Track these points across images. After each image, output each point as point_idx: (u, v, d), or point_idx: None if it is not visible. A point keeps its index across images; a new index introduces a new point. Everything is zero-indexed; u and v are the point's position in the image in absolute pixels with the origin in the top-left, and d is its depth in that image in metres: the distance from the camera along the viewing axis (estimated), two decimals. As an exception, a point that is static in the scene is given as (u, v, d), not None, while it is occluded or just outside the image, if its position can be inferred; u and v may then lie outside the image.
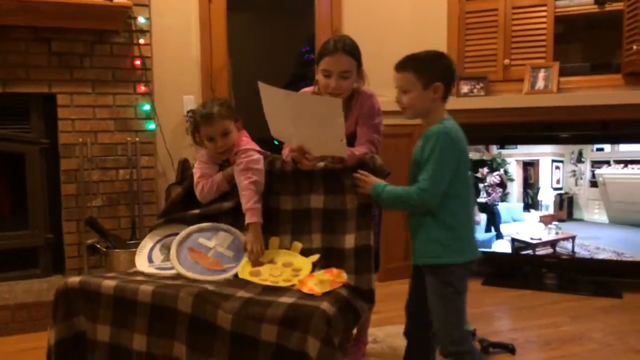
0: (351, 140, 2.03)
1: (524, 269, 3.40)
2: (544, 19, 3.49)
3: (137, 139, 3.27)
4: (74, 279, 1.79)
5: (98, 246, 2.93)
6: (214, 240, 1.93)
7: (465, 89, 3.64)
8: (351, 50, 2.03)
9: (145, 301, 1.69)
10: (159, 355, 1.68)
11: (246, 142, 2.07)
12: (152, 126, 3.35)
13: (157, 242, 2.00)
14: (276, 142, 2.10)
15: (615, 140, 3.15)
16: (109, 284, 1.75)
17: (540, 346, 2.44)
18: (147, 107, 3.32)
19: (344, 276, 1.80)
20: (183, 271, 1.82)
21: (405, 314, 1.94)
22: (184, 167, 2.17)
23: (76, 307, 1.77)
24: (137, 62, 3.30)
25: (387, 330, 2.47)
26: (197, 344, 1.64)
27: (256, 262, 1.89)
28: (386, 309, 1.99)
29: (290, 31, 5.38)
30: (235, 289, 1.73)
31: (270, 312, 1.58)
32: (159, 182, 3.41)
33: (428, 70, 1.74)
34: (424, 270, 1.80)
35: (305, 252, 1.93)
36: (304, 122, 1.87)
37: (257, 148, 2.07)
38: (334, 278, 1.79)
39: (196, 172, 2.08)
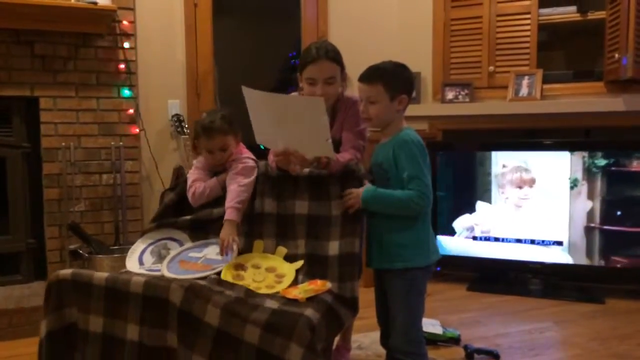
0: (336, 146, 2.03)
1: (508, 275, 3.42)
2: (527, 27, 3.53)
3: (121, 143, 3.25)
4: (66, 271, 1.80)
5: (81, 252, 2.90)
6: (204, 252, 1.96)
7: (450, 95, 3.66)
8: (334, 56, 2.04)
9: (137, 292, 1.70)
10: (153, 345, 1.69)
11: (245, 152, 2.11)
12: (136, 130, 3.32)
13: (149, 245, 2.02)
14: (262, 147, 2.10)
15: (597, 147, 3.18)
16: (100, 275, 1.77)
17: (524, 352, 2.45)
18: (131, 110, 3.29)
19: (328, 285, 1.80)
20: (172, 276, 1.83)
21: (378, 323, 1.96)
22: (179, 174, 2.19)
23: (68, 299, 1.78)
24: (122, 65, 3.27)
25: (371, 336, 2.46)
26: (183, 337, 1.65)
27: (238, 266, 1.88)
28: (371, 314, 1.98)
29: (276, 36, 5.37)
30: (224, 288, 1.73)
31: (255, 315, 1.58)
32: (143, 186, 3.39)
33: (395, 82, 1.80)
34: (387, 274, 1.84)
35: (289, 258, 1.93)
36: (289, 123, 1.87)
37: (254, 157, 2.10)
38: (318, 288, 1.78)
39: (190, 176, 2.10)
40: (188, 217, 2.06)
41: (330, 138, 1.84)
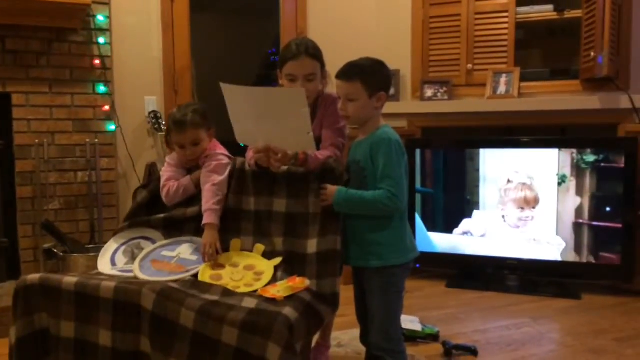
0: (316, 144, 2.02)
1: (487, 271, 3.45)
2: (505, 25, 3.55)
3: (96, 140, 3.19)
4: (34, 276, 1.76)
5: (55, 251, 2.84)
6: (177, 250, 1.93)
7: (429, 92, 3.68)
8: (314, 52, 2.02)
9: (107, 297, 1.67)
10: (126, 351, 1.66)
11: (218, 148, 2.07)
12: (112, 127, 3.26)
13: (121, 245, 1.98)
14: (242, 145, 2.08)
15: (572, 144, 3.22)
16: (69, 280, 1.73)
17: (502, 347, 2.47)
18: (106, 107, 3.24)
19: (306, 282, 1.78)
20: (145, 277, 1.80)
21: (357, 321, 1.96)
22: (151, 171, 2.15)
23: (37, 304, 1.74)
24: (97, 61, 3.21)
25: (351, 333, 2.46)
26: (157, 343, 1.61)
27: (216, 265, 1.86)
28: (350, 312, 1.98)
29: (255, 32, 5.35)
30: (198, 291, 1.71)
31: (232, 315, 1.56)
32: (119, 184, 3.33)
33: (373, 79, 1.80)
34: (365, 272, 1.84)
35: (267, 255, 1.91)
36: (269, 117, 1.84)
37: (228, 154, 2.07)
38: (296, 286, 1.77)
39: (164, 174, 2.07)
40: (162, 216, 2.03)
41: (311, 131, 1.82)
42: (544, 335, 2.61)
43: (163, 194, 2.03)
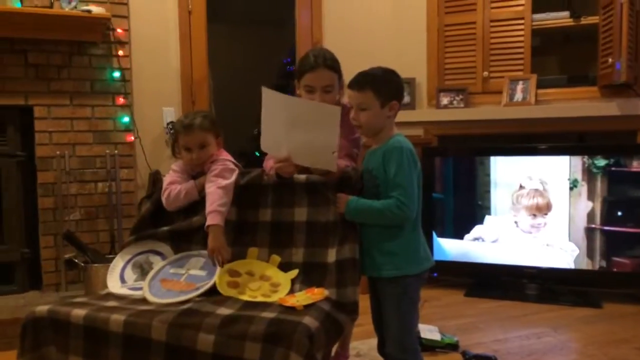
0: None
1: (505, 280, 3.42)
2: (521, 32, 3.54)
3: (116, 151, 3.23)
4: (42, 308, 1.72)
5: (76, 261, 2.88)
6: (186, 267, 1.88)
7: (445, 100, 3.67)
8: (332, 64, 2.03)
9: (117, 331, 1.62)
10: None
11: (225, 155, 2.05)
12: (131, 138, 3.31)
13: (128, 261, 1.93)
14: (257, 154, 2.08)
15: (591, 152, 3.20)
16: (78, 313, 1.67)
17: (523, 357, 2.44)
18: (126, 119, 3.29)
19: (325, 292, 1.79)
20: (155, 300, 1.75)
21: (374, 331, 1.95)
22: (155, 179, 2.07)
23: (45, 337, 1.70)
24: (116, 73, 3.27)
25: (370, 343, 2.45)
26: None
27: (232, 272, 1.85)
28: (368, 321, 1.97)
29: (271, 42, 5.38)
30: (214, 305, 1.69)
31: (253, 328, 1.55)
32: (138, 195, 3.37)
33: (386, 89, 1.80)
34: (379, 282, 1.83)
35: (284, 266, 1.90)
36: (300, 128, 1.86)
37: (234, 161, 2.05)
38: (315, 296, 1.77)
39: (167, 179, 2.02)
40: (167, 228, 1.98)
41: (337, 151, 1.83)
42: (565, 345, 2.58)
43: (164, 197, 1.97)
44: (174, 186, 1.98)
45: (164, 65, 3.50)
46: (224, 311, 1.65)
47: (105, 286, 1.93)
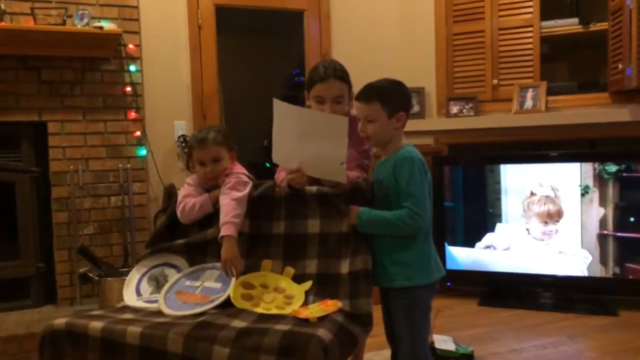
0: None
1: (520, 289, 3.40)
2: (530, 40, 3.54)
3: (128, 165, 3.26)
4: (60, 321, 1.74)
5: (90, 275, 2.89)
6: (201, 279, 1.90)
7: (455, 109, 3.67)
8: (342, 75, 2.05)
9: (133, 343, 1.63)
10: None
11: (239, 168, 2.07)
12: (143, 152, 3.34)
13: (144, 274, 1.96)
14: (267, 165, 2.10)
15: (603, 158, 3.18)
16: (95, 325, 1.70)
17: (539, 367, 2.43)
18: (138, 133, 3.32)
19: (338, 304, 1.79)
20: (171, 312, 1.77)
21: (387, 342, 1.95)
22: (170, 193, 2.10)
23: (63, 350, 1.72)
24: (128, 88, 3.30)
25: (384, 354, 2.43)
26: None
27: (246, 284, 1.86)
28: (382, 332, 1.97)
29: (280, 54, 5.41)
30: (229, 318, 1.70)
31: (267, 341, 1.55)
32: (150, 208, 3.38)
33: (392, 100, 1.81)
34: (390, 292, 1.84)
35: (298, 278, 1.91)
36: (310, 139, 1.88)
37: (248, 174, 2.07)
38: (328, 308, 1.77)
39: (181, 192, 2.05)
40: (182, 241, 2.00)
41: (345, 162, 1.84)
42: (581, 354, 2.56)
43: (178, 210, 2.00)
44: (189, 199, 2.01)
45: (175, 79, 3.52)
46: (239, 324, 1.65)
47: (120, 299, 1.96)
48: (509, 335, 2.83)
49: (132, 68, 3.31)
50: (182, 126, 3.51)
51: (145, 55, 3.40)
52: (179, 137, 3.44)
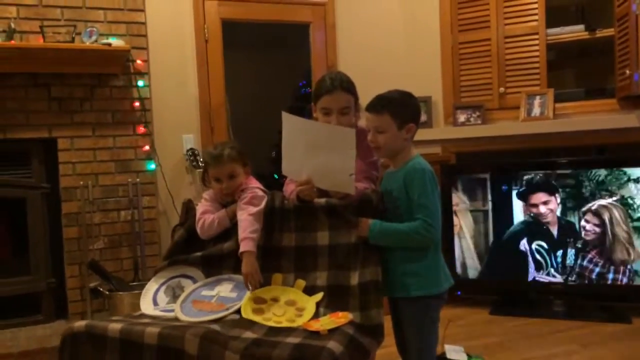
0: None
1: (531, 297, 3.37)
2: (536, 47, 3.54)
3: (137, 179, 3.28)
4: (80, 323, 1.78)
5: (101, 289, 2.91)
6: (216, 289, 1.93)
7: (462, 118, 3.67)
8: (348, 86, 2.06)
9: (151, 343, 1.67)
10: None
11: (254, 182, 2.10)
12: (152, 166, 3.36)
13: (162, 284, 1.99)
14: (276, 176, 2.11)
15: (612, 164, 3.16)
16: (114, 327, 1.74)
17: (552, 376, 2.41)
18: (146, 147, 3.34)
19: (349, 316, 1.78)
20: (187, 319, 1.80)
21: (398, 352, 1.95)
22: (188, 208, 2.16)
23: (83, 352, 1.75)
24: (136, 103, 3.33)
25: (395, 365, 2.43)
26: None
27: (257, 299, 1.87)
28: (392, 343, 1.97)
29: (286, 66, 5.44)
30: (241, 330, 1.71)
31: (277, 352, 1.55)
32: (160, 221, 3.41)
33: (403, 111, 1.83)
34: (400, 302, 1.84)
35: (309, 290, 1.91)
36: (318, 151, 1.89)
37: (263, 188, 2.09)
38: (339, 320, 1.77)
39: (199, 208, 2.09)
40: (199, 254, 2.03)
41: (354, 173, 1.85)
42: (595, 363, 2.53)
43: (198, 226, 2.04)
44: (207, 216, 2.05)
45: (183, 93, 3.55)
46: (250, 335, 1.67)
47: (132, 311, 2.00)
48: (521, 344, 2.80)
49: (140, 83, 3.34)
50: (191, 139, 3.53)
51: (153, 70, 3.43)
52: (187, 151, 3.46)
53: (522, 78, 3.61)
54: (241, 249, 1.91)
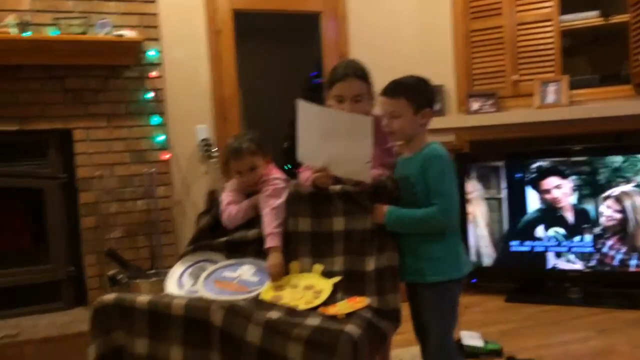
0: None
1: (547, 284, 3.36)
2: (550, 34, 3.52)
3: (152, 169, 3.31)
4: (109, 296, 1.84)
5: (119, 277, 2.94)
6: (239, 271, 1.97)
7: (475, 106, 3.66)
8: (362, 74, 2.06)
9: (178, 314, 1.72)
10: None
11: (274, 172, 2.12)
12: (166, 156, 3.38)
13: (187, 268, 2.04)
14: (289, 166, 2.12)
15: (628, 151, 3.13)
16: (143, 299, 1.80)
17: (570, 362, 2.40)
18: (161, 137, 3.36)
19: (366, 301, 1.79)
20: (210, 295, 1.85)
21: (416, 338, 1.96)
22: (212, 197, 2.22)
23: (113, 323, 1.81)
24: (150, 94, 3.35)
25: (412, 351, 2.42)
26: (226, 358, 1.66)
27: (276, 287, 1.89)
28: (409, 329, 1.97)
29: (297, 57, 5.44)
30: (262, 310, 1.73)
31: (297, 331, 1.58)
32: (175, 211, 3.43)
33: (419, 96, 1.83)
34: (419, 287, 1.84)
35: (326, 275, 1.92)
36: (334, 139, 1.90)
37: (284, 178, 2.12)
38: (356, 305, 1.78)
39: (224, 199, 2.12)
40: (223, 239, 2.08)
41: (370, 161, 1.85)
42: (612, 349, 2.52)
43: (223, 217, 2.08)
44: (232, 207, 2.09)
45: (196, 84, 3.56)
46: (272, 314, 1.70)
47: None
48: (537, 331, 2.80)
49: (153, 74, 3.36)
50: (204, 130, 3.55)
51: (166, 61, 3.44)
52: (201, 141, 3.48)
53: (536, 65, 3.58)
54: (267, 245, 1.94)
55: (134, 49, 3.23)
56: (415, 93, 1.82)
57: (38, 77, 3.11)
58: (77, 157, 3.19)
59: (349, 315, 1.70)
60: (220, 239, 2.09)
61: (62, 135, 3.20)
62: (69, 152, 3.20)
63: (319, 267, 1.93)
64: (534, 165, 3.32)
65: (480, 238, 3.44)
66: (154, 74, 3.35)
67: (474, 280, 3.36)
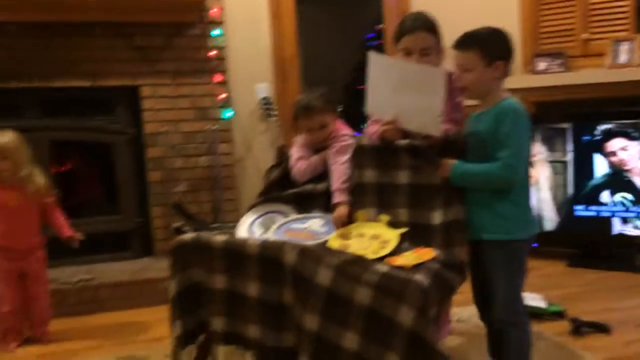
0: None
1: (612, 250, 3.27)
2: (625, -10, 3.33)
3: (216, 126, 3.37)
4: (187, 236, 1.94)
5: (184, 229, 3.05)
6: (308, 223, 2.02)
7: (542, 65, 3.53)
8: (431, 26, 2.02)
9: (253, 253, 1.79)
10: (271, 301, 1.77)
11: (343, 129, 2.15)
12: (229, 114, 3.44)
13: (257, 217, 2.11)
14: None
15: None
16: (218, 238, 1.89)
17: (636, 327, 2.35)
18: (223, 95, 3.42)
19: (433, 252, 1.79)
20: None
21: (474, 302, 1.94)
22: (282, 152, 2.27)
23: (192, 260, 1.90)
24: (213, 52, 3.39)
25: (471, 310, 2.40)
26: (297, 296, 1.72)
27: (343, 236, 1.92)
28: (467, 289, 1.96)
29: (356, 19, 5.38)
30: (332, 255, 1.77)
31: (367, 276, 1.61)
32: (236, 168, 3.51)
33: (490, 47, 1.75)
34: (486, 245, 1.80)
35: (392, 225, 1.92)
36: (405, 91, 1.87)
37: (352, 134, 2.14)
38: (422, 256, 1.78)
39: (294, 154, 2.17)
40: (293, 191, 2.13)
41: (441, 115, 1.82)
42: (680, 315, 2.45)
43: (293, 172, 2.13)
44: (302, 162, 2.14)
45: (257, 43, 3.58)
46: (342, 257, 1.73)
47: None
48: (600, 296, 2.75)
49: (216, 32, 3.39)
50: (264, 88, 3.57)
51: (228, 19, 3.47)
52: (261, 99, 3.52)
53: (607, 23, 3.41)
54: (335, 200, 1.98)
55: (196, 5, 3.26)
56: (486, 44, 1.75)
57: (107, 34, 3.21)
58: (144, 113, 3.29)
59: (416, 267, 1.71)
60: (290, 190, 2.14)
61: (131, 91, 3.30)
62: (136, 109, 3.30)
63: (385, 217, 1.94)
64: (602, 128, 3.20)
65: (542, 202, 3.37)
66: (216, 32, 3.39)
67: (535, 245, 3.30)
